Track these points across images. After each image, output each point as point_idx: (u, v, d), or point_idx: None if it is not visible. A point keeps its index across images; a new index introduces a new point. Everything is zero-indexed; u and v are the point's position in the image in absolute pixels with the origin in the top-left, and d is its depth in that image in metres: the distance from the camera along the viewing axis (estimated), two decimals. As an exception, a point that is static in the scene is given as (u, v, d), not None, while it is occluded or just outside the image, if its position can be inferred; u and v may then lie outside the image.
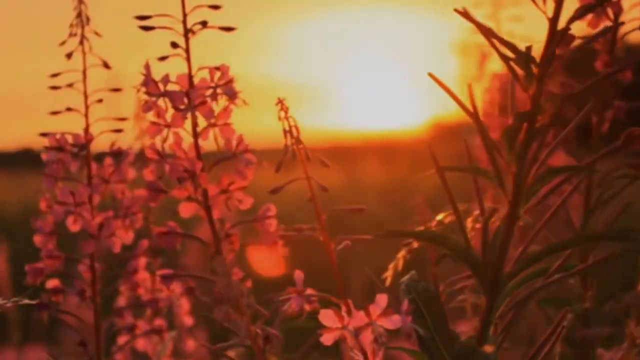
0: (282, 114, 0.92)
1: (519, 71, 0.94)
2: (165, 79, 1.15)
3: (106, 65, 1.28)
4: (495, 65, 1.81)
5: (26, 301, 1.15)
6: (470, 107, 0.94)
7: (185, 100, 1.14)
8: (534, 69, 0.84)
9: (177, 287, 1.34)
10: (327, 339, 0.96)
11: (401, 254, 1.18)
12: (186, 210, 1.17)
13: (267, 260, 1.31)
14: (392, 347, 0.92)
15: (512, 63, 0.87)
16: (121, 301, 1.34)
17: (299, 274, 0.94)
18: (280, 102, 0.92)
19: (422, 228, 1.15)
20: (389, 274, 1.20)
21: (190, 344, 1.56)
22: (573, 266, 0.91)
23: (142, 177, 1.28)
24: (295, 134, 0.91)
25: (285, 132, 0.91)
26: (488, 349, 0.84)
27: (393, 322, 0.90)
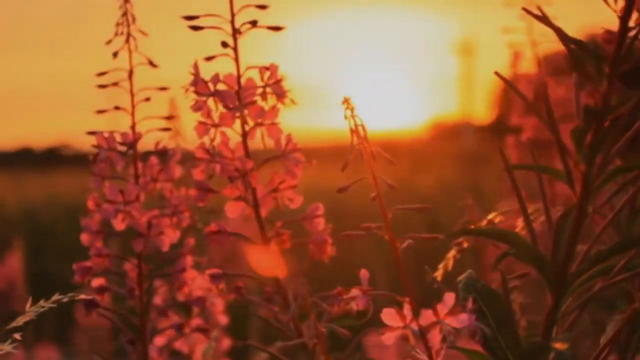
0: (348, 112, 0.92)
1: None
2: (216, 78, 1.15)
3: (152, 64, 1.28)
4: (526, 64, 1.81)
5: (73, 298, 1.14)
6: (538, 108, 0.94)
7: (236, 99, 1.14)
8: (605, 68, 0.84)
9: (211, 285, 1.34)
10: (389, 338, 0.96)
11: (451, 253, 1.18)
12: (233, 209, 1.17)
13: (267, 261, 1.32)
14: (458, 348, 0.92)
15: (577, 62, 0.87)
16: (160, 300, 1.34)
17: (364, 273, 0.94)
18: (346, 101, 0.92)
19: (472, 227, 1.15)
20: (439, 274, 1.20)
21: (226, 343, 1.56)
22: (638, 266, 0.91)
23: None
24: (362, 133, 0.91)
25: (351, 131, 0.91)
26: (560, 345, 0.84)
27: (460, 320, 0.90)
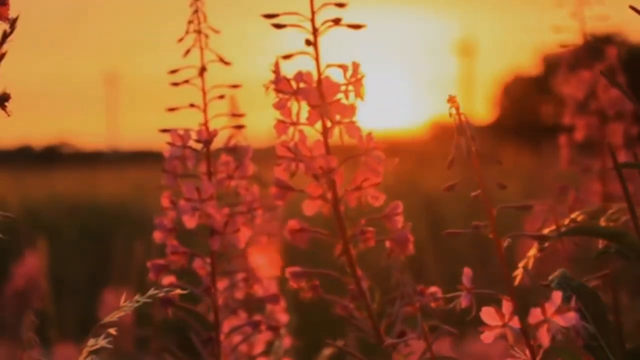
0: (454, 110, 0.91)
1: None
2: (299, 77, 1.14)
3: (223, 62, 1.27)
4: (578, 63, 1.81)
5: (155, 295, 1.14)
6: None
7: (319, 98, 1.14)
8: None
9: (273, 284, 1.33)
10: (487, 337, 0.96)
11: (532, 252, 1.18)
12: (311, 207, 1.17)
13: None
14: (560, 349, 0.92)
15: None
16: (230, 298, 1.33)
17: (467, 271, 0.94)
18: (452, 99, 0.91)
19: (553, 227, 1.15)
20: (518, 272, 1.20)
21: (288, 341, 1.56)
22: None
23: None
24: (468, 131, 0.91)
25: (457, 129, 0.91)
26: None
27: (568, 319, 0.90)
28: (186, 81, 1.27)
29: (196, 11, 1.27)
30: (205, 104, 1.26)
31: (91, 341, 1.00)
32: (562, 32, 1.78)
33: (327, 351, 1.61)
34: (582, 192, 1.78)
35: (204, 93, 1.27)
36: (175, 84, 1.26)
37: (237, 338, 1.28)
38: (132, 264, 3.10)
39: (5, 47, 0.95)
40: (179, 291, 1.01)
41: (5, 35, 0.95)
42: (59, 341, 3.18)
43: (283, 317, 1.51)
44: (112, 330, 0.99)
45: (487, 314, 0.95)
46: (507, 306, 0.95)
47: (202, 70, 1.26)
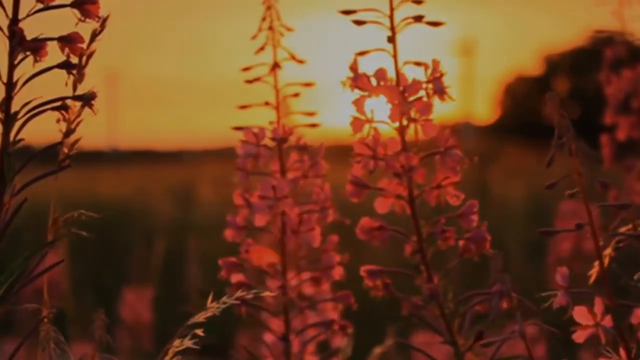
0: (553, 109, 0.92)
1: None
2: (380, 74, 1.14)
3: (296, 59, 1.27)
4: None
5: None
6: None
7: (400, 95, 1.14)
8: None
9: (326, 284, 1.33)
10: (579, 336, 0.96)
11: (607, 251, 1.18)
12: (383, 205, 1.17)
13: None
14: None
15: None
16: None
17: (563, 270, 0.94)
18: (550, 97, 0.92)
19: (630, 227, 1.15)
20: (594, 271, 1.20)
21: (339, 340, 1.56)
22: None
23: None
24: (570, 130, 0.91)
25: (560, 127, 0.91)
26: None
27: (669, 318, 0.91)
28: (258, 79, 1.27)
29: (269, 8, 1.27)
30: (278, 102, 1.26)
31: (177, 342, 1.00)
32: (603, 31, 1.78)
33: (377, 350, 1.61)
34: (624, 191, 1.78)
35: (277, 91, 1.27)
36: (249, 82, 1.26)
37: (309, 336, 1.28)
38: (139, 262, 3.10)
39: (94, 45, 0.95)
40: (268, 293, 1.01)
41: (95, 34, 0.95)
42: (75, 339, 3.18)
43: (334, 316, 1.51)
44: (199, 331, 0.99)
45: (580, 313, 0.96)
46: (599, 305, 0.95)
47: (275, 67, 1.27)
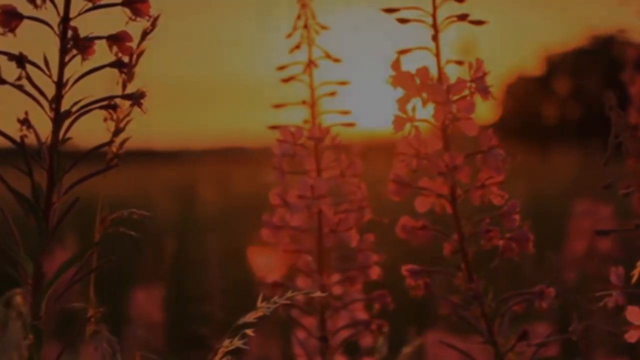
0: (610, 108, 0.91)
1: None
2: (423, 73, 1.13)
3: (331, 58, 1.26)
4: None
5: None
6: None
7: (444, 94, 1.13)
8: None
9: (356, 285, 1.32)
10: (632, 337, 0.95)
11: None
12: (424, 204, 1.16)
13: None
14: None
15: None
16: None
17: (618, 270, 0.93)
18: (609, 97, 0.90)
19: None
20: (636, 272, 1.19)
21: (368, 340, 1.55)
22: None
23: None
24: (628, 129, 0.90)
25: (615, 126, 0.90)
26: None
27: None
28: (292, 77, 1.26)
29: (304, 6, 1.26)
30: (314, 101, 1.25)
31: (226, 342, 0.99)
32: (627, 31, 1.77)
33: (407, 349, 1.60)
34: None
35: (312, 89, 1.25)
36: (284, 81, 1.25)
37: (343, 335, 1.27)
38: (147, 262, 3.09)
39: (144, 44, 0.93)
40: (319, 293, 1.00)
41: (146, 33, 0.93)
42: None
43: (362, 315, 1.50)
44: (249, 331, 0.98)
45: (633, 313, 0.94)
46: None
47: (310, 65, 1.25)
